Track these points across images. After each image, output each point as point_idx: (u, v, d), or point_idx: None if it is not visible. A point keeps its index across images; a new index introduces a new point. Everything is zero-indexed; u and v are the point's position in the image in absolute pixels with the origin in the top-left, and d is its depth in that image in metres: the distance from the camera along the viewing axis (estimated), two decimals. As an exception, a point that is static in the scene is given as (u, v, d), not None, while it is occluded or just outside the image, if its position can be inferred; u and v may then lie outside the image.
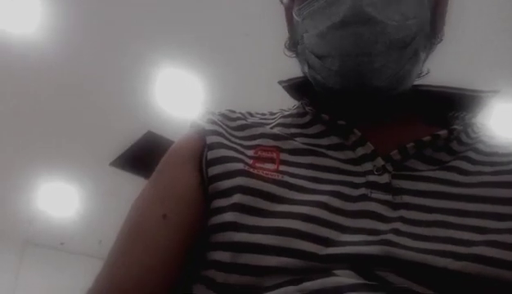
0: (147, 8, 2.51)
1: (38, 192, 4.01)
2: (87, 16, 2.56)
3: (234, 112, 0.64)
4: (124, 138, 3.18)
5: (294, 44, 0.63)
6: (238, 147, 0.57)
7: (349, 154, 0.54)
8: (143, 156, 3.18)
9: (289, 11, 0.65)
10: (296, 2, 0.61)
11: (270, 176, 0.52)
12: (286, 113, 0.65)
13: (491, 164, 0.53)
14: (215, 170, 0.54)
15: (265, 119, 0.64)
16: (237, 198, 0.51)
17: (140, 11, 2.53)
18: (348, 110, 0.59)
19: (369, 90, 0.56)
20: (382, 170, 0.51)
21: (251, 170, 0.53)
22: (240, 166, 0.54)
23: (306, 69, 0.60)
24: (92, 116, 3.15)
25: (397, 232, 0.46)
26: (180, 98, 3.12)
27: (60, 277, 4.61)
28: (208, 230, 0.52)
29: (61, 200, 4.12)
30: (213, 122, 0.60)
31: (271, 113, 0.67)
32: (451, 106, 0.61)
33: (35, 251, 4.73)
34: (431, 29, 0.58)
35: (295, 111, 0.63)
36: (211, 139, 0.57)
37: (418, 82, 0.63)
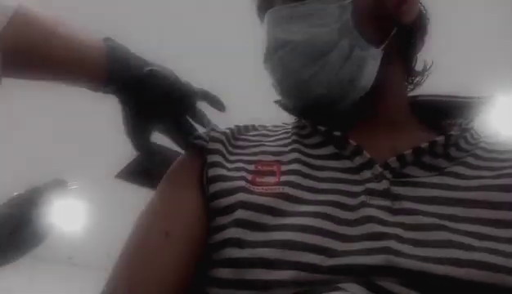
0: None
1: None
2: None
3: (238, 128, 0.66)
4: (132, 151, 3.17)
5: None
6: (239, 164, 0.58)
7: (347, 163, 0.55)
8: (148, 167, 3.21)
9: None
10: None
11: (270, 190, 0.53)
12: (288, 126, 0.67)
13: (491, 169, 0.54)
14: (216, 187, 0.55)
15: (268, 131, 0.66)
16: (239, 214, 0.52)
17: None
18: (337, 120, 0.60)
19: (318, 100, 0.59)
20: (380, 177, 0.52)
21: (251, 187, 0.54)
22: (241, 183, 0.55)
23: None
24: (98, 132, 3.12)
25: (397, 238, 0.46)
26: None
27: (70, 291, 4.61)
28: (210, 248, 0.53)
29: (69, 214, 4.12)
30: (216, 140, 0.61)
31: (275, 126, 0.68)
32: (447, 114, 0.61)
33: (44, 266, 4.74)
34: (359, 30, 0.58)
35: (296, 124, 0.65)
36: (212, 158, 0.58)
37: (413, 93, 0.66)
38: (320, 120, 0.60)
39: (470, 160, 0.55)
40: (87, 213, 4.16)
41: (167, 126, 0.65)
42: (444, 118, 0.62)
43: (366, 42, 0.59)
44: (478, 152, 0.56)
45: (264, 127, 0.69)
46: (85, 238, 4.43)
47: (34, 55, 0.56)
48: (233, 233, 0.51)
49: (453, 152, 0.55)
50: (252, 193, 0.53)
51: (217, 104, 0.68)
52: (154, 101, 0.62)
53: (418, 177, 0.52)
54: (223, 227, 0.52)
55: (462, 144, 0.56)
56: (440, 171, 0.53)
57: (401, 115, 0.62)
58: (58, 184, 0.68)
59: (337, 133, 0.57)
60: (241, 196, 0.53)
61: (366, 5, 0.60)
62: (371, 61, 0.59)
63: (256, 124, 0.70)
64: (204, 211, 0.55)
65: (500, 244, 0.45)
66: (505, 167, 0.53)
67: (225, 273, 0.50)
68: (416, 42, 0.64)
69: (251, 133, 0.66)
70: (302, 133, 0.62)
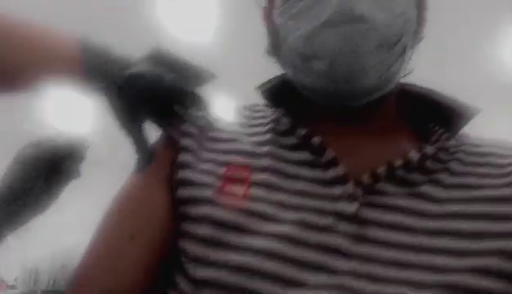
0: None
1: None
2: None
3: (217, 117, 0.62)
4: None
5: (276, 48, 0.60)
6: (209, 165, 0.56)
7: (320, 174, 0.53)
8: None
9: (268, 13, 0.62)
10: (277, 3, 0.58)
11: (237, 205, 0.52)
12: (267, 112, 0.63)
13: (463, 187, 0.52)
14: (183, 193, 0.54)
15: (247, 119, 0.63)
16: (202, 230, 0.51)
17: None
18: (330, 117, 0.58)
19: (358, 90, 0.54)
20: (352, 197, 0.50)
21: (219, 198, 0.53)
22: (208, 193, 0.53)
23: (291, 72, 0.58)
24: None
25: (354, 274, 0.47)
26: (187, 20, 3.03)
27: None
28: (177, 251, 0.54)
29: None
30: (188, 135, 0.58)
31: (256, 109, 0.65)
32: (435, 113, 0.59)
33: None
34: (417, 26, 0.57)
35: (275, 115, 0.61)
36: (182, 157, 0.56)
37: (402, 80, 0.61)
38: (315, 122, 0.57)
39: (444, 177, 0.53)
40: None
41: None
42: (430, 117, 0.60)
43: (418, 35, 0.57)
44: (453, 166, 0.55)
45: (245, 108, 0.66)
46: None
47: None
48: (193, 249, 0.51)
49: (429, 163, 0.53)
50: (218, 206, 0.52)
51: (202, 105, 0.62)
52: (136, 104, 0.58)
53: (389, 196, 0.51)
54: (186, 236, 0.53)
55: (439, 154, 0.55)
56: (412, 189, 0.52)
57: (390, 120, 0.60)
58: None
59: (316, 140, 0.54)
60: (207, 210, 0.52)
61: None
62: (410, 55, 0.57)
63: (242, 106, 0.66)
64: (172, 214, 0.55)
65: (460, 276, 0.46)
66: (476, 186, 0.52)
67: (185, 287, 0.51)
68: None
69: (230, 123, 0.62)
70: (279, 129, 0.59)
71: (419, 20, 0.58)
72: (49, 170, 0.66)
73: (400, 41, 0.53)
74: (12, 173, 0.65)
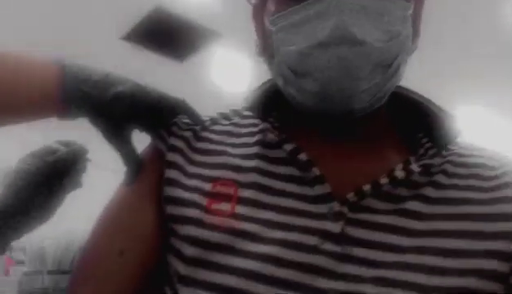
0: None
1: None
2: None
3: (203, 125, 0.61)
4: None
5: (266, 52, 0.59)
6: (196, 181, 0.56)
7: (307, 190, 0.53)
8: (154, 31, 3.12)
9: (258, 12, 0.60)
10: (269, 5, 0.56)
11: (223, 224, 0.52)
12: (256, 121, 0.61)
13: (448, 202, 0.52)
14: (172, 210, 0.55)
15: (234, 126, 0.62)
16: (190, 250, 0.52)
17: None
18: (318, 129, 0.57)
19: (348, 111, 0.53)
20: (337, 216, 0.50)
21: (205, 217, 0.53)
22: (195, 213, 0.53)
23: (281, 82, 0.57)
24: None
25: None
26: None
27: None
28: (166, 265, 0.55)
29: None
30: (174, 150, 0.58)
31: (245, 115, 0.63)
32: (425, 123, 0.58)
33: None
34: (412, 43, 0.55)
35: (262, 126, 0.59)
36: (169, 173, 0.56)
37: None
38: (304, 134, 0.57)
39: (429, 191, 0.53)
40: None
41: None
42: (419, 127, 0.59)
43: (412, 49, 0.55)
44: (440, 178, 0.54)
45: (234, 113, 0.64)
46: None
47: None
48: (181, 269, 0.52)
49: (415, 177, 0.53)
50: (204, 226, 0.52)
51: (193, 116, 0.61)
52: (123, 121, 0.57)
53: (374, 212, 0.51)
54: (175, 254, 0.54)
55: (425, 168, 0.53)
56: (397, 205, 0.52)
57: (380, 127, 0.59)
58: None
59: (303, 157, 0.53)
60: (194, 230, 0.52)
61: (419, 11, 0.57)
62: (403, 71, 0.55)
63: (229, 111, 0.65)
64: (161, 228, 0.56)
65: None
66: (463, 202, 0.52)
67: None
68: None
69: (217, 128, 0.62)
70: (266, 141, 0.57)
71: (414, 36, 0.56)
72: (51, 181, 0.66)
73: (395, 61, 0.52)
74: (15, 184, 0.66)
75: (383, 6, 0.50)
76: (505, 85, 3.49)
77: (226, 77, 3.61)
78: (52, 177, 0.66)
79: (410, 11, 0.53)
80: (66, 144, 0.68)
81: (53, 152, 0.67)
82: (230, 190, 0.54)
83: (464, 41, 3.05)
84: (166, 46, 3.30)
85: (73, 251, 2.04)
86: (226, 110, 0.65)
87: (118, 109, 0.56)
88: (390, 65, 0.52)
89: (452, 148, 0.57)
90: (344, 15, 0.48)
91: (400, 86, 0.60)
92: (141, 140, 0.63)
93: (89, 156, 0.70)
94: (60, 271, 2.11)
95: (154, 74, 3.40)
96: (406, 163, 0.53)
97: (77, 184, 0.70)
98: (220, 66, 3.50)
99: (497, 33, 2.99)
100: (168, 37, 3.19)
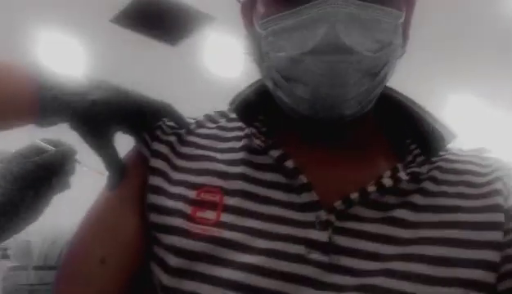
0: None
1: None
2: None
3: (188, 128, 0.60)
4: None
5: (256, 53, 0.57)
6: (180, 189, 0.54)
7: (293, 198, 0.52)
8: (145, 14, 3.03)
9: (248, 10, 0.59)
10: (259, 6, 0.55)
11: (207, 233, 0.51)
12: (243, 126, 0.60)
13: (436, 209, 0.52)
14: (155, 219, 0.54)
15: (220, 130, 0.60)
16: (173, 260, 0.51)
17: None
18: (305, 133, 0.57)
19: (337, 117, 0.53)
20: (324, 224, 0.49)
21: (189, 226, 0.52)
22: (179, 222, 0.52)
23: (270, 85, 0.56)
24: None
25: None
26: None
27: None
28: (149, 272, 0.54)
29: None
30: (158, 156, 0.57)
31: (231, 118, 0.62)
32: (414, 128, 0.57)
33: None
34: (401, 48, 0.55)
35: (249, 131, 0.58)
36: (153, 180, 0.55)
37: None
38: (292, 139, 0.56)
39: (417, 199, 0.52)
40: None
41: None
42: (407, 131, 0.58)
43: (401, 53, 0.55)
44: (428, 185, 0.54)
45: (221, 115, 0.63)
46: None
47: None
48: (164, 279, 0.51)
49: (403, 184, 0.52)
50: (188, 235, 0.51)
51: (178, 120, 0.60)
52: (103, 126, 0.56)
53: (362, 221, 0.51)
54: (158, 263, 0.53)
55: (413, 175, 0.53)
56: (385, 213, 0.51)
57: (368, 131, 0.58)
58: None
59: (289, 164, 0.52)
60: (178, 240, 0.51)
61: (409, 17, 0.56)
62: (392, 72, 0.55)
63: (215, 113, 0.64)
64: (143, 236, 0.55)
65: None
66: (451, 209, 0.52)
67: None
68: None
69: (203, 131, 0.60)
70: (253, 146, 0.56)
71: (404, 41, 0.55)
72: (40, 182, 0.64)
73: (383, 69, 0.52)
74: (3, 185, 0.65)
75: (375, 16, 0.49)
76: (498, 76, 3.50)
77: (219, 62, 3.55)
78: (40, 179, 0.64)
79: (402, 20, 0.52)
80: (54, 144, 0.67)
81: (41, 152, 0.66)
82: (215, 198, 0.53)
83: (456, 28, 3.04)
84: (157, 30, 3.20)
85: (59, 246, 2.03)
86: (211, 112, 0.64)
87: (95, 116, 0.55)
88: (379, 73, 0.52)
89: (441, 153, 0.56)
90: (336, 24, 0.48)
91: (391, 89, 0.59)
92: (123, 143, 0.61)
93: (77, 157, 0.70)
94: (46, 266, 2.09)
95: (144, 58, 3.40)
96: (394, 171, 0.53)
97: (65, 186, 0.69)
98: (213, 51, 3.43)
99: (491, 22, 2.99)
100: (159, 19, 3.10)
